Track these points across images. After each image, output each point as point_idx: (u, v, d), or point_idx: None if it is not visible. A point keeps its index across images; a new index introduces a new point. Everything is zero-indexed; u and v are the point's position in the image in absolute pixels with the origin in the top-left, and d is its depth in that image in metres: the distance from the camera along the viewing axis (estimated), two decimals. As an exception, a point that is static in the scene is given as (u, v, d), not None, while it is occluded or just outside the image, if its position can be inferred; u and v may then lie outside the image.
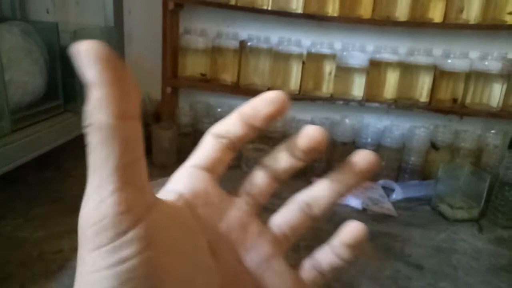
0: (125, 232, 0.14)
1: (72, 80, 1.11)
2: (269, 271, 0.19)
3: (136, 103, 0.14)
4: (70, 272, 0.82)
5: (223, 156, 0.19)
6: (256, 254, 0.19)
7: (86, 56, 0.13)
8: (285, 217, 0.20)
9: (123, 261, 0.14)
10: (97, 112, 0.14)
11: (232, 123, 0.19)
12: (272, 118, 0.18)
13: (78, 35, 1.10)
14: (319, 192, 0.20)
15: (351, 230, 0.20)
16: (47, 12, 1.47)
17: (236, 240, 0.19)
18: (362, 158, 0.19)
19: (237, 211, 0.19)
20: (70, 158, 1.40)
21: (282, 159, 0.20)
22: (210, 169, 0.19)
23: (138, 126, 0.15)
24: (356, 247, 0.20)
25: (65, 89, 1.10)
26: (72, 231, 0.95)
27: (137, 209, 0.15)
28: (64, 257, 0.86)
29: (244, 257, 0.19)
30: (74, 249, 0.89)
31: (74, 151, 1.46)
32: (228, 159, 0.19)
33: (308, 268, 0.21)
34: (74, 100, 1.12)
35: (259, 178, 0.20)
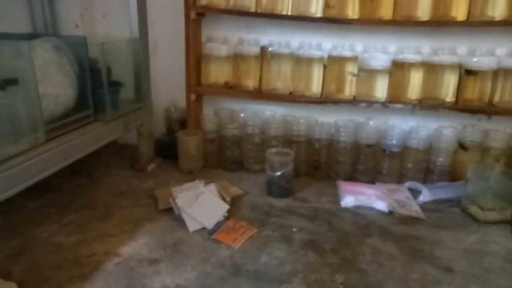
0: None
1: (101, 91, 1.15)
2: None
3: None
4: (103, 274, 0.85)
5: None
6: None
7: None
8: None
9: None
10: None
11: None
12: None
13: (106, 47, 1.15)
14: None
15: None
16: (76, 27, 1.54)
17: None
18: None
19: None
20: (100, 165, 1.45)
21: None
22: None
23: None
24: None
25: (95, 99, 1.14)
26: (104, 236, 0.99)
27: None
28: (97, 260, 0.90)
29: None
30: (106, 253, 0.92)
31: (104, 158, 1.52)
32: None
33: None
34: (103, 110, 1.17)
35: None
